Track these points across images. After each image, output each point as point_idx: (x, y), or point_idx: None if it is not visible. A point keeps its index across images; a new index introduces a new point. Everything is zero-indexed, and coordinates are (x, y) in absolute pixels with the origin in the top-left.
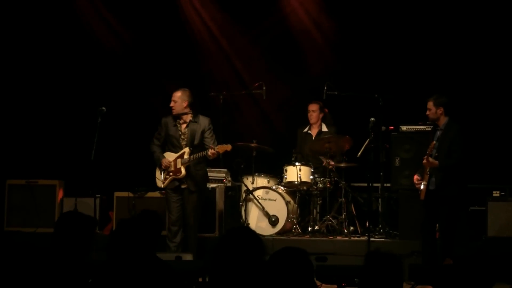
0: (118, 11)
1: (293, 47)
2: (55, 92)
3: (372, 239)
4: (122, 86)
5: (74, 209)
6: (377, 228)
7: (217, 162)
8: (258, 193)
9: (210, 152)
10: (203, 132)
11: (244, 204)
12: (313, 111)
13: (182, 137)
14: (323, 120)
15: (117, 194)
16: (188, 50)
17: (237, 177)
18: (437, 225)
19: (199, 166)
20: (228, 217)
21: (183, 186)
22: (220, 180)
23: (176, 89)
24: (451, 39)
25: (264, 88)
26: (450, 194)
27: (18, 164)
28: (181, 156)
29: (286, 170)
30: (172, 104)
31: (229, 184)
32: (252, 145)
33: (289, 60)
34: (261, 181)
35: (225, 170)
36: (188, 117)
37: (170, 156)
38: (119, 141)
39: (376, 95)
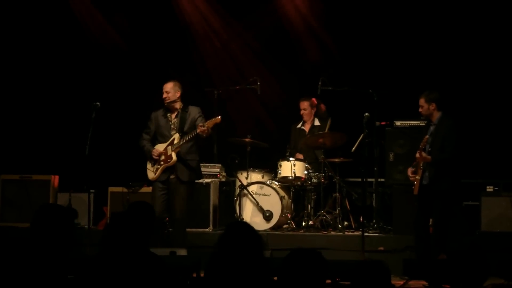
0: (113, 5)
1: (287, 43)
2: (49, 87)
3: (366, 234)
4: (116, 81)
5: (68, 204)
6: (371, 223)
7: (212, 157)
8: (252, 188)
9: (199, 129)
10: (193, 120)
11: (238, 199)
12: (304, 109)
13: (172, 126)
14: (316, 114)
15: (111, 189)
16: (183, 45)
17: (231, 172)
18: (431, 220)
19: (191, 155)
20: (222, 212)
21: (172, 177)
22: (214, 175)
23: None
24: (445, 35)
25: (258, 83)
26: (443, 188)
27: (12, 159)
28: (171, 143)
29: (280, 165)
30: (164, 95)
31: (223, 179)
32: (247, 140)
33: (283, 56)
34: (256, 176)
35: (220, 165)
36: (178, 106)
37: (160, 147)
38: (113, 136)
39: (370, 91)
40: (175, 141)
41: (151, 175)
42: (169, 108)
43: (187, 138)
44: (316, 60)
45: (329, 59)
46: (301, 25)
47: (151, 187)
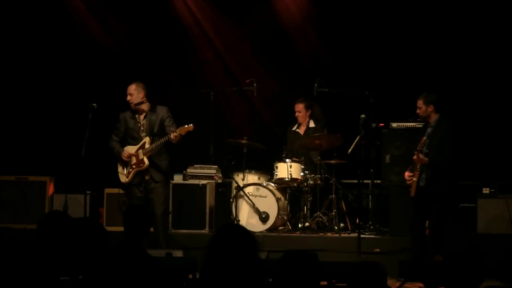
0: (110, 7)
1: (284, 44)
2: (45, 88)
3: (362, 235)
4: (113, 83)
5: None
6: (367, 225)
7: (208, 158)
8: (248, 189)
9: (172, 135)
10: (162, 120)
11: (234, 200)
12: (298, 112)
13: (142, 128)
14: (311, 116)
15: (107, 190)
16: (180, 46)
17: (227, 174)
18: (427, 221)
19: (161, 156)
20: (218, 213)
21: (146, 178)
22: (210, 177)
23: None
24: (442, 36)
25: (255, 84)
26: (440, 190)
27: (8, 160)
28: (142, 146)
29: (276, 167)
30: (128, 98)
31: (219, 181)
32: (243, 141)
33: (280, 57)
34: (252, 177)
35: (216, 166)
36: (146, 107)
37: (130, 149)
38: (109, 137)
39: (367, 92)
40: (146, 145)
41: (123, 178)
42: (137, 110)
43: (158, 143)
44: (313, 62)
45: (326, 60)
46: (298, 27)
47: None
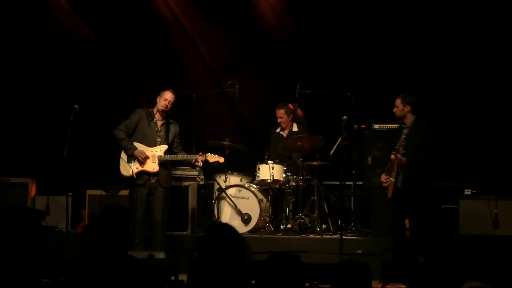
0: (91, 7)
1: (265, 45)
2: (27, 90)
3: (344, 237)
4: (95, 84)
5: (46, 207)
6: (350, 226)
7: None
8: (230, 191)
9: (200, 159)
10: (175, 134)
11: (216, 202)
12: (280, 117)
13: (159, 134)
14: (293, 119)
15: (90, 192)
16: (161, 48)
17: (209, 175)
18: (408, 223)
19: (168, 162)
20: (200, 215)
21: (152, 181)
22: (193, 178)
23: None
24: (423, 39)
25: (237, 86)
26: (418, 190)
27: None
28: (158, 151)
29: (259, 168)
30: (169, 105)
31: (201, 182)
32: (225, 143)
33: (261, 58)
34: (234, 179)
35: (198, 168)
36: (165, 116)
37: (143, 149)
38: (91, 139)
39: (348, 94)
40: (162, 153)
41: (126, 171)
42: (157, 114)
43: (177, 157)
44: (295, 63)
45: (308, 62)
46: (279, 28)
47: (128, 190)
